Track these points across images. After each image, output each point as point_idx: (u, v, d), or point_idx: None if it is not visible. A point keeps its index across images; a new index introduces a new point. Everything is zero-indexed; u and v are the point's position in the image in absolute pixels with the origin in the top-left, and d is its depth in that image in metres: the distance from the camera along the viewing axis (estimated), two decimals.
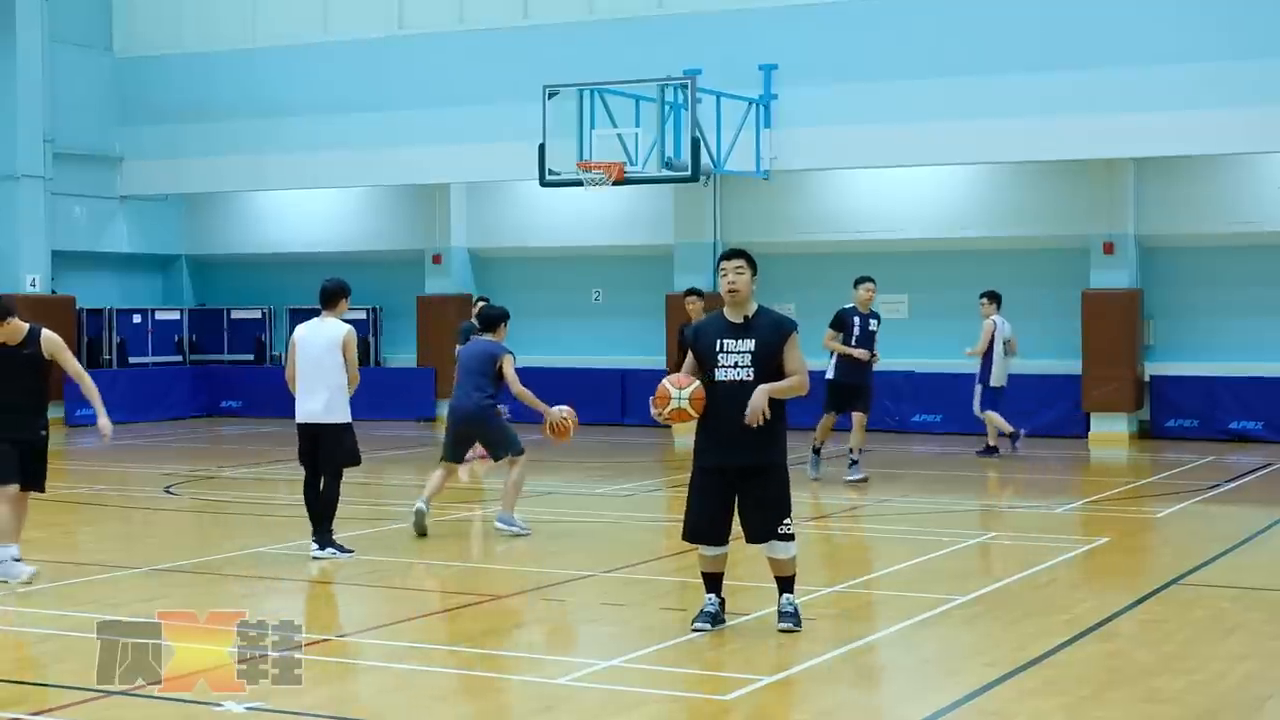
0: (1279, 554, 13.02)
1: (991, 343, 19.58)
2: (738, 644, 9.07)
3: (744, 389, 9.06)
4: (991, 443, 19.69)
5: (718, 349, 9.16)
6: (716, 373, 9.13)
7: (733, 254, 9.31)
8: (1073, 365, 22.11)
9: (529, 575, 11.36)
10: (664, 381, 9.20)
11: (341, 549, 12.17)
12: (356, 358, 12.14)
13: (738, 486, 9.20)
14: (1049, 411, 22.50)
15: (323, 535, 12.13)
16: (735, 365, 9.12)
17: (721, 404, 9.05)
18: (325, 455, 12.18)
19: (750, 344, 9.13)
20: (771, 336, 9.17)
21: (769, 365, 9.13)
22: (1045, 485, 17.25)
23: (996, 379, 19.61)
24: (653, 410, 9.24)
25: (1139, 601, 10.42)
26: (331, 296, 12.16)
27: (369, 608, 10.80)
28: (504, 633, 9.55)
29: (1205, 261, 22.37)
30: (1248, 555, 12.54)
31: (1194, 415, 21.87)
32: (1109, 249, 22.24)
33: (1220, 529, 14.00)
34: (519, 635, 9.49)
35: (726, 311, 9.28)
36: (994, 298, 19.90)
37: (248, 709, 7.48)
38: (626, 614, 10.08)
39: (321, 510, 12.15)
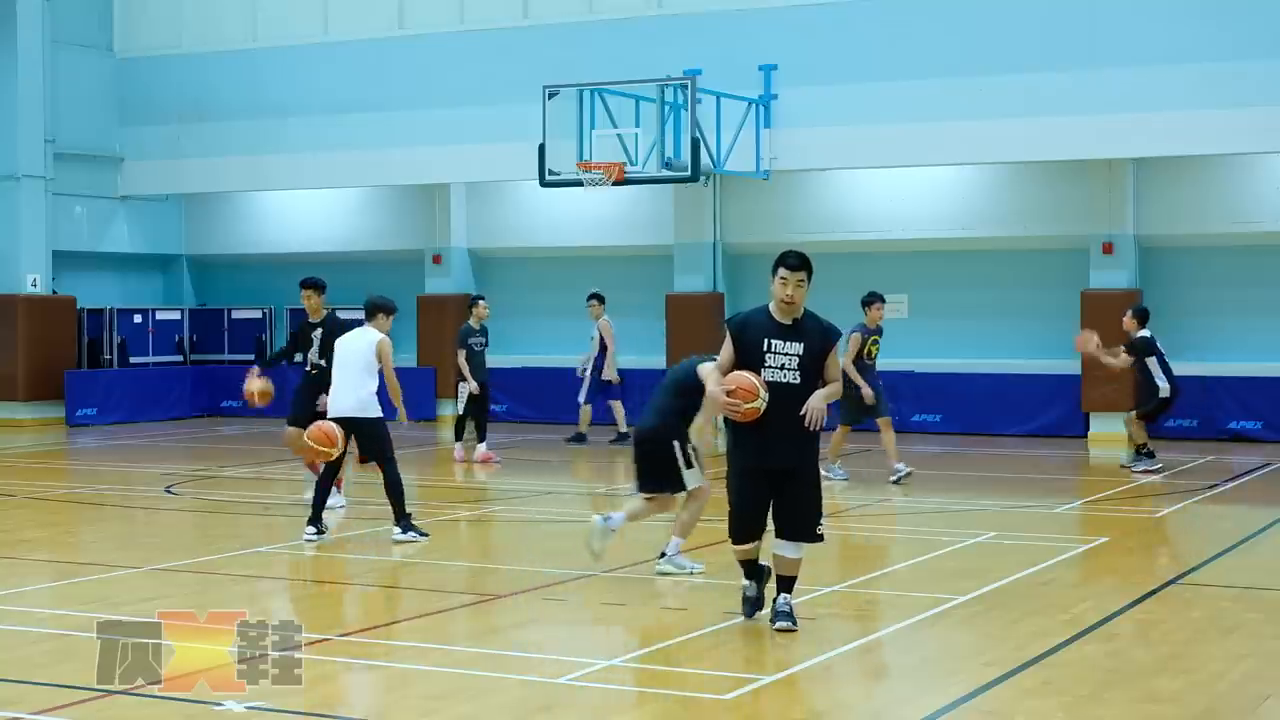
0: (1278, 554, 13.02)
1: (603, 340, 21.28)
2: (739, 643, 9.07)
3: (789, 391, 9.03)
4: (582, 430, 21.65)
5: (765, 348, 9.10)
6: (763, 373, 9.08)
7: (799, 265, 9.11)
8: (1072, 365, 22.11)
9: (529, 575, 11.37)
10: (748, 376, 9.00)
11: (420, 533, 12.72)
12: (390, 364, 12.83)
13: (775, 486, 9.22)
14: (1049, 411, 22.53)
15: (403, 520, 12.68)
16: (783, 368, 9.08)
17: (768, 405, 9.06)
18: (364, 446, 12.83)
19: (799, 348, 9.09)
20: (819, 344, 9.16)
21: (813, 371, 9.13)
22: (1045, 485, 17.26)
23: (609, 373, 21.39)
24: (725, 399, 8.95)
25: (1138, 601, 10.42)
26: (370, 310, 12.96)
27: (369, 608, 10.80)
28: (504, 633, 9.55)
29: (1205, 261, 22.38)
30: (1247, 555, 12.55)
31: (1194, 415, 21.86)
32: (1108, 249, 22.24)
33: (1220, 529, 14.00)
34: (519, 635, 9.49)
35: (775, 312, 9.19)
36: (601, 299, 21.53)
37: (248, 709, 7.49)
38: (626, 614, 10.08)
39: (391, 499, 12.72)
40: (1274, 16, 20.03)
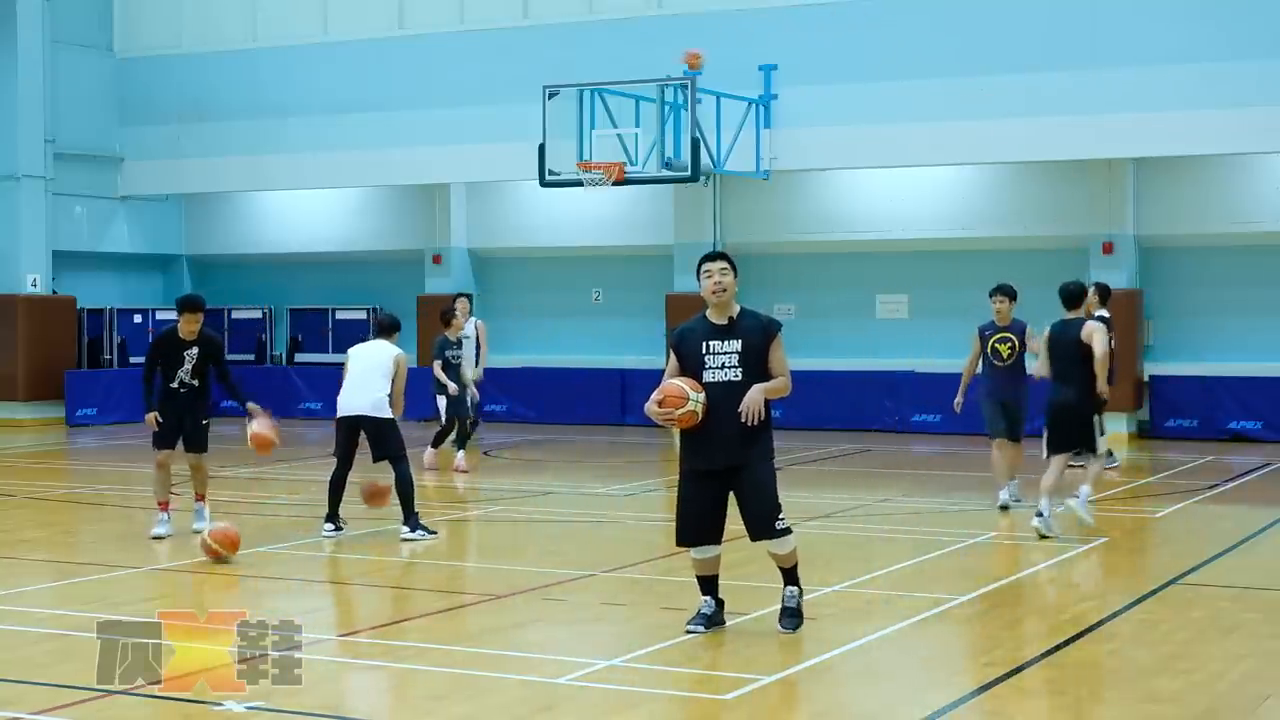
0: (1278, 554, 13.02)
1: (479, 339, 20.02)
2: (737, 644, 9.07)
3: (732, 389, 9.03)
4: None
5: (704, 351, 9.12)
6: (704, 374, 9.09)
7: (716, 255, 9.28)
8: None
9: (529, 575, 11.37)
10: (675, 382, 9.08)
11: (428, 530, 12.94)
12: (404, 379, 13.11)
13: (729, 486, 9.20)
14: None
15: (411, 519, 12.89)
16: (723, 366, 9.08)
17: (711, 405, 9.05)
18: (377, 446, 13.04)
19: (737, 344, 9.10)
20: (757, 337, 9.14)
21: (756, 365, 9.11)
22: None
23: (476, 373, 19.94)
24: (656, 410, 9.05)
25: (1138, 601, 10.42)
26: (390, 327, 13.45)
27: (369, 608, 10.81)
28: (504, 633, 9.55)
29: (1205, 261, 22.39)
30: (1247, 555, 12.54)
31: (1194, 415, 21.88)
32: (1109, 249, 22.25)
33: (1220, 529, 14.00)
34: (519, 635, 9.49)
35: (710, 314, 9.23)
36: (471, 298, 20.56)
37: (248, 709, 7.49)
38: (626, 614, 10.08)
39: (400, 498, 12.92)
40: (1274, 16, 20.05)
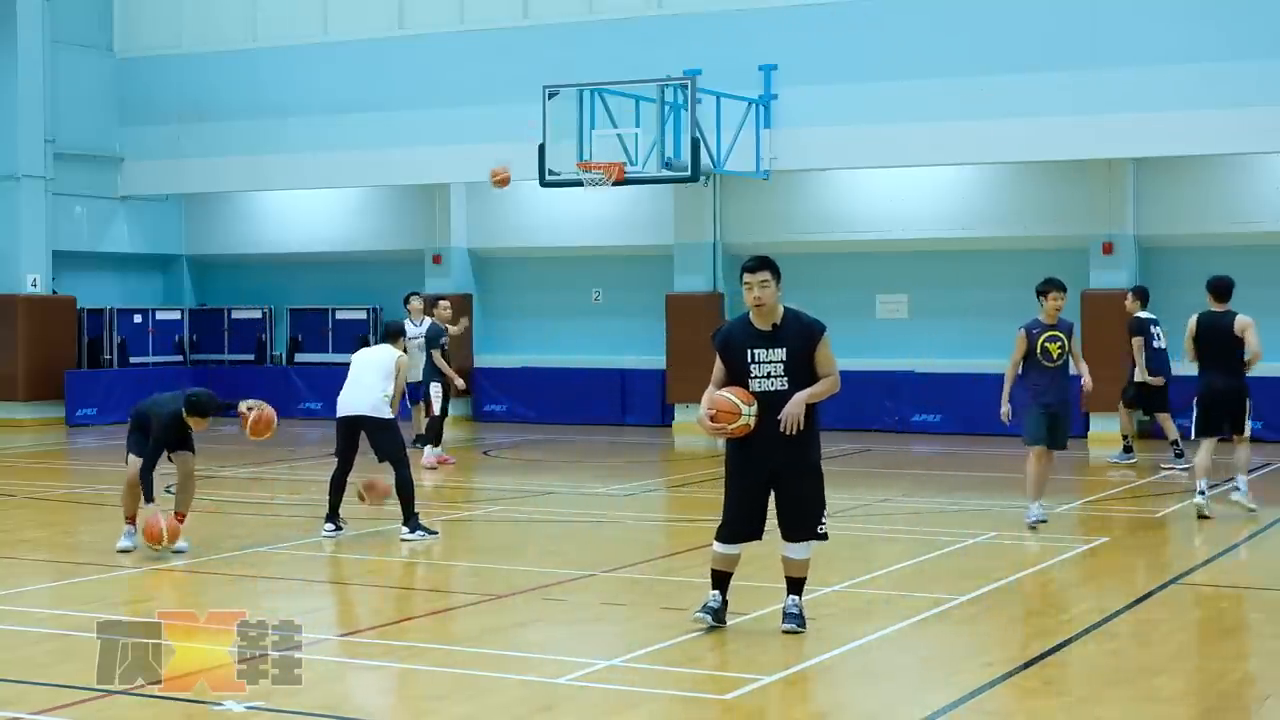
0: (1279, 554, 13.03)
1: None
2: (739, 644, 9.07)
3: (779, 399, 8.98)
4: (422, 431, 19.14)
5: (749, 359, 9.06)
6: (751, 383, 9.03)
7: (757, 266, 9.10)
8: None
9: (529, 575, 11.37)
10: (725, 394, 8.99)
11: (428, 530, 12.98)
12: (404, 380, 13.37)
13: (775, 488, 9.19)
14: None
15: (411, 519, 12.91)
16: (769, 375, 9.02)
17: (759, 413, 9.01)
18: (377, 447, 13.11)
19: (781, 353, 9.03)
20: (802, 343, 9.07)
21: (802, 372, 9.05)
22: (1045, 485, 17.22)
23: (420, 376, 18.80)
24: (709, 424, 8.97)
25: (1139, 601, 10.42)
26: (396, 334, 13.83)
27: (369, 608, 10.81)
28: (504, 633, 9.55)
29: (1205, 261, 22.26)
30: (1248, 555, 12.55)
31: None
32: (1108, 249, 22.24)
33: (1220, 529, 13.99)
34: (519, 635, 9.49)
35: (753, 319, 9.14)
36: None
37: (248, 709, 7.49)
38: (626, 614, 10.08)
39: (400, 498, 12.93)
40: (1274, 16, 20.04)
